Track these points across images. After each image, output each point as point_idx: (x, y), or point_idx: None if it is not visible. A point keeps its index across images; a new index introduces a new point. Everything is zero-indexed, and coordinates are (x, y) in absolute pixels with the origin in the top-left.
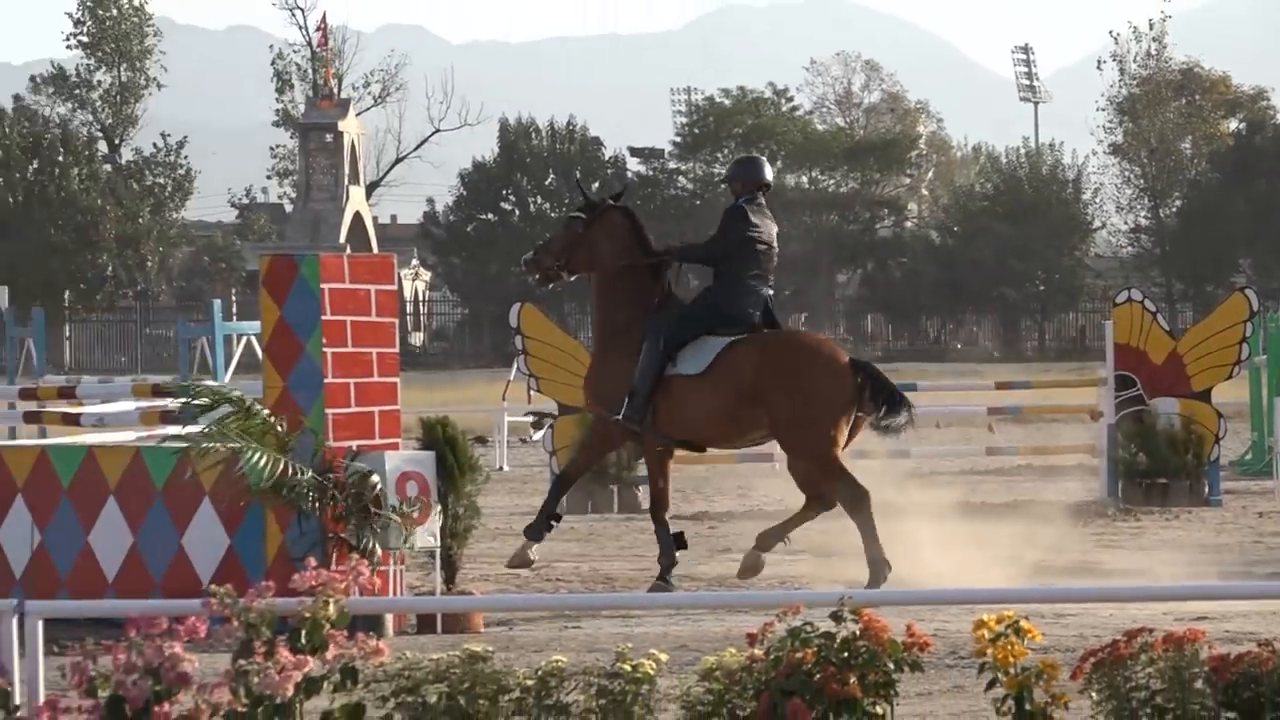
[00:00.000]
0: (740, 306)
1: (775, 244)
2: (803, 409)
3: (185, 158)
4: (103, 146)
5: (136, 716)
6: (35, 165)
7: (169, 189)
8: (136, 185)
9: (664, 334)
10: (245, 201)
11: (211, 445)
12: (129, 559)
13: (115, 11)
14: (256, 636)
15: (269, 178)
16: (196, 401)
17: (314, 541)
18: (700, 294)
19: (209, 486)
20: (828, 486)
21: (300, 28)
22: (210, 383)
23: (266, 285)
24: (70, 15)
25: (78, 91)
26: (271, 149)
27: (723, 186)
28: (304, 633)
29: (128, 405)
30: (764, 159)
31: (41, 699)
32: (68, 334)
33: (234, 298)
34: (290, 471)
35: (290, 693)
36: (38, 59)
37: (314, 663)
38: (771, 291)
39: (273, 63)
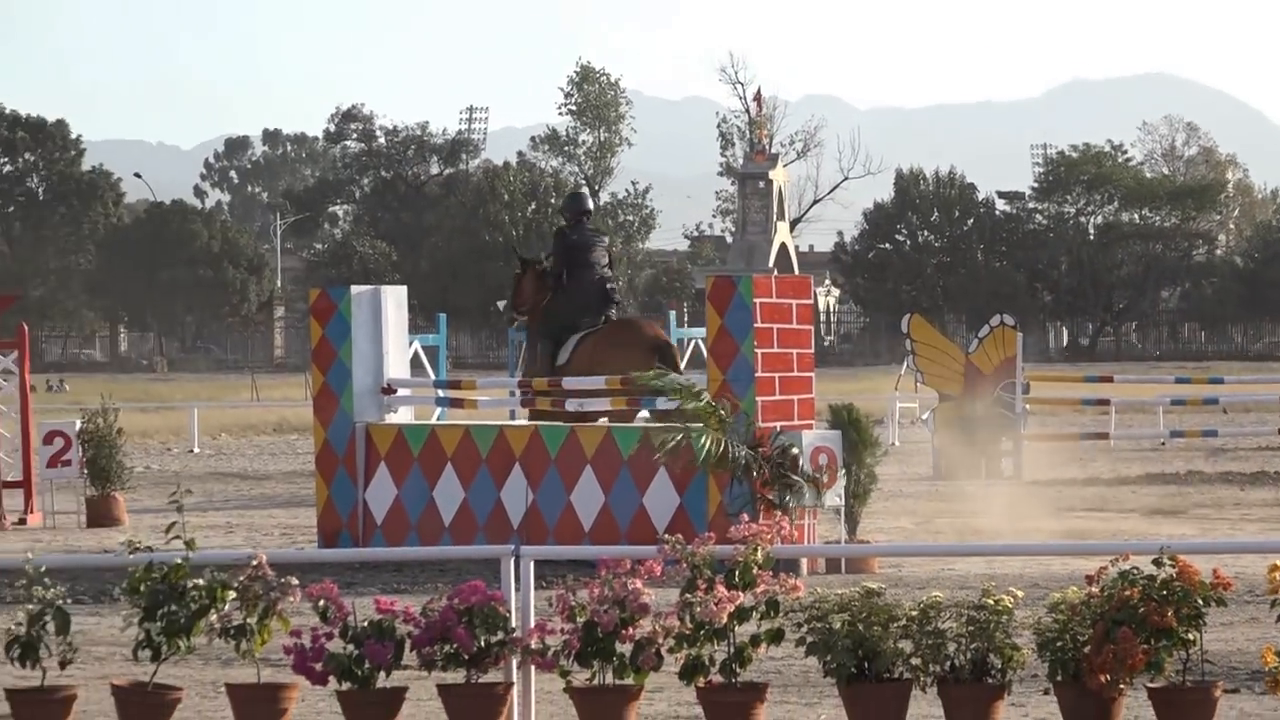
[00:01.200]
0: (580, 308)
1: (600, 249)
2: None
3: (650, 200)
4: (585, 191)
5: (606, 637)
6: (533, 206)
7: (636, 224)
8: (611, 222)
9: (544, 338)
10: (695, 234)
11: (668, 428)
12: (601, 514)
13: (597, 86)
14: (700, 576)
15: (714, 216)
16: (660, 384)
17: (746, 501)
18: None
19: (665, 458)
20: None
21: (741, 99)
22: (676, 376)
23: (711, 300)
24: (562, 89)
25: (566, 148)
26: (716, 193)
27: (1075, 222)
28: (737, 573)
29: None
30: (585, 193)
31: (532, 623)
32: None
33: (685, 309)
34: (728, 447)
35: (725, 620)
36: (536, 123)
37: (744, 596)
38: (611, 285)
39: (718, 126)
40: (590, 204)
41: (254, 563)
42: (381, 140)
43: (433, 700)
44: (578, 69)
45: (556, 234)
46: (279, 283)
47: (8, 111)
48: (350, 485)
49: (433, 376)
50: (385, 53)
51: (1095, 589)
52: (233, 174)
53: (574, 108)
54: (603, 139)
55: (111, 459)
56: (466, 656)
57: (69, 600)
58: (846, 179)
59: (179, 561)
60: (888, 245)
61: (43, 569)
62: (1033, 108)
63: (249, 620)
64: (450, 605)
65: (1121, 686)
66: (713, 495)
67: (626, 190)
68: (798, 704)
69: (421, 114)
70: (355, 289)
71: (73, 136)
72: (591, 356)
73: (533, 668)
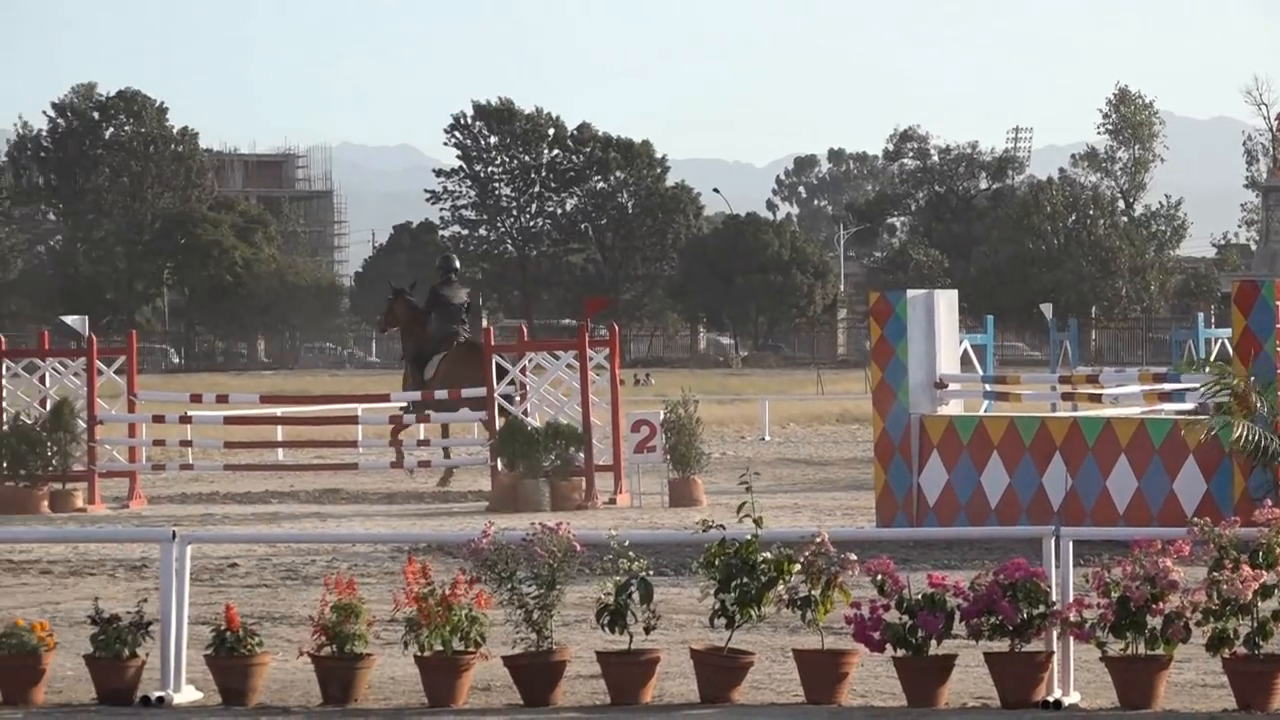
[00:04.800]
0: (440, 341)
1: (460, 300)
2: (442, 386)
3: (1181, 210)
4: (1121, 204)
5: (1138, 611)
6: (1073, 218)
7: (1168, 234)
8: (1145, 232)
9: (412, 363)
10: (1222, 242)
11: (1202, 417)
12: (1134, 498)
13: (1133, 107)
14: (1226, 556)
15: (1239, 226)
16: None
17: (1269, 487)
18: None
19: (1194, 446)
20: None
21: (1265, 118)
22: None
23: (1236, 303)
24: (1100, 110)
25: (1104, 164)
26: (1242, 205)
27: None
28: (1261, 553)
29: (1135, 388)
30: (453, 257)
31: (1071, 597)
32: (1093, 337)
33: (1212, 312)
34: (1256, 435)
35: (1249, 596)
36: (1076, 142)
37: (1268, 575)
38: (463, 324)
39: (1244, 144)
40: (457, 264)
41: (818, 540)
42: (935, 158)
43: (979, 667)
44: (1116, 91)
45: (431, 289)
46: (842, 287)
47: (601, 134)
48: (906, 471)
49: (981, 372)
50: (939, 78)
51: None
52: (801, 189)
53: (1111, 127)
54: (1137, 156)
55: (691, 445)
56: (1010, 627)
57: (652, 572)
58: None
59: (749, 538)
60: None
61: (627, 544)
62: None
63: (813, 592)
64: (996, 581)
65: None
66: (1237, 481)
67: (1160, 203)
68: None
69: (972, 134)
70: (911, 293)
71: (658, 156)
72: (448, 370)
73: (1071, 638)
